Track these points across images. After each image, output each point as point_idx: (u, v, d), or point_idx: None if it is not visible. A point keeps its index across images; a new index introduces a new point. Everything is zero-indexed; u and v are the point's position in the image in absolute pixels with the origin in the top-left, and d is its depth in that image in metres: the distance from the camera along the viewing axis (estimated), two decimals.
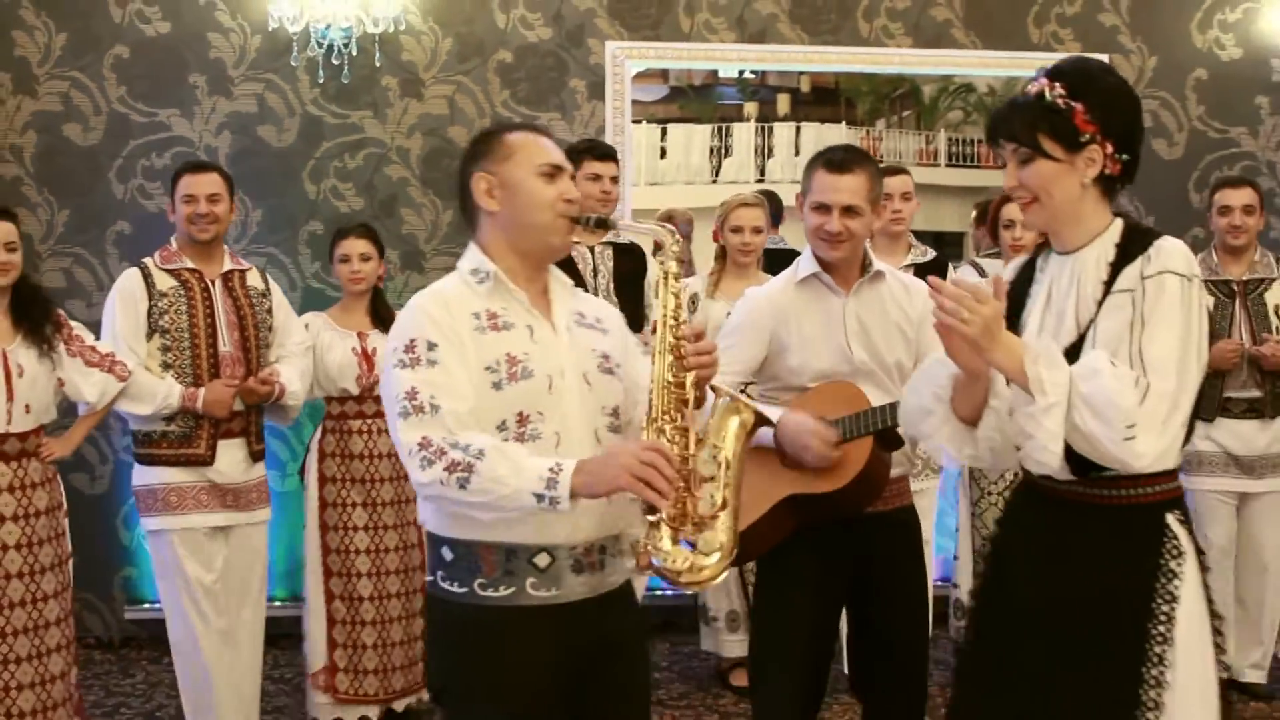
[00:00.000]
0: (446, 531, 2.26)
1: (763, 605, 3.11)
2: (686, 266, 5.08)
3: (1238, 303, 4.55)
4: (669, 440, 2.21)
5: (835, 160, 3.00)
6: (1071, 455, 2.16)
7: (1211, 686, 2.23)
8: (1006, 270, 2.49)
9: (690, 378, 2.26)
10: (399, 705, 4.34)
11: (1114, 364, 2.14)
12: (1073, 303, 2.27)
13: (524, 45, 5.36)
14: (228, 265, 4.09)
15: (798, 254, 3.27)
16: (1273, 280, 4.59)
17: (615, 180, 4.30)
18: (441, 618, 2.30)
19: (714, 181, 5.46)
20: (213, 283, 4.02)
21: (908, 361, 3.08)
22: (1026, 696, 2.27)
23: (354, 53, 5.09)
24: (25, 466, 3.63)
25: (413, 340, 2.22)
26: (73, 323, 3.82)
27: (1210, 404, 4.52)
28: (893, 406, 2.84)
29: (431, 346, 2.20)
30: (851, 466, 2.88)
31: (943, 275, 4.33)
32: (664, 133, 5.49)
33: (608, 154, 4.33)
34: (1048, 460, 2.15)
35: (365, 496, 4.24)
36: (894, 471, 3.04)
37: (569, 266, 4.13)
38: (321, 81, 5.20)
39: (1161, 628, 2.19)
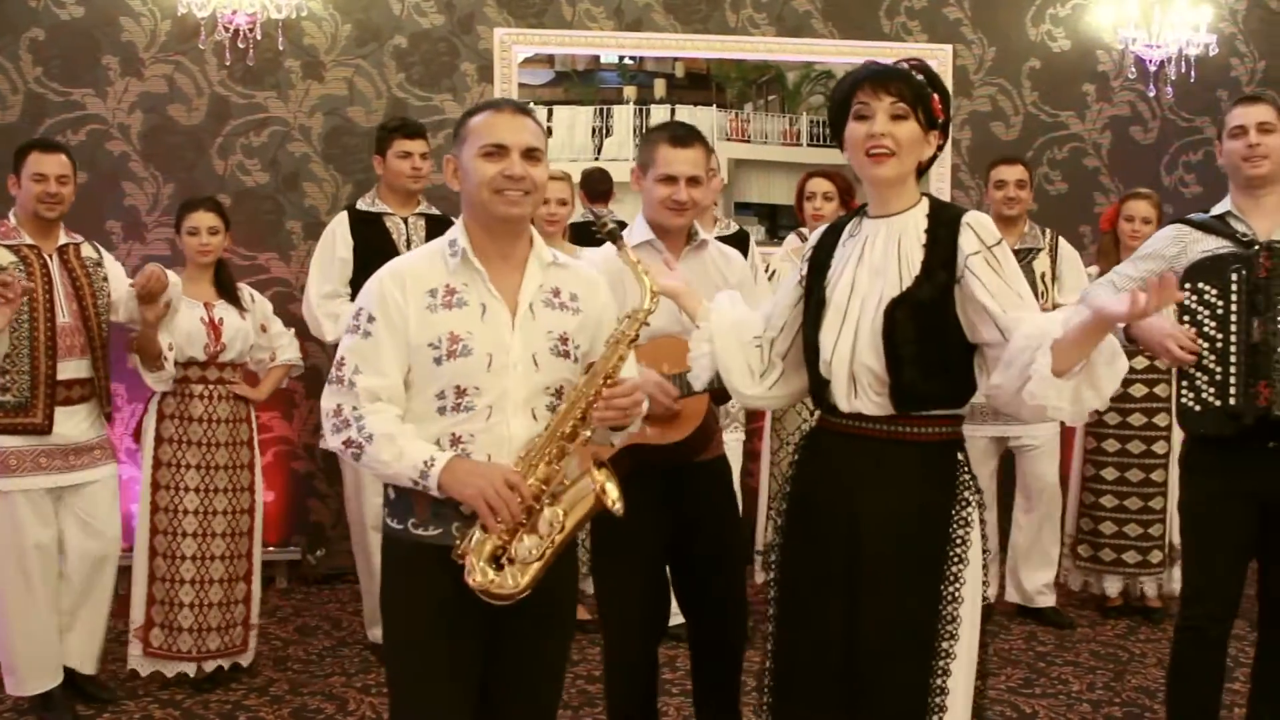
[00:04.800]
0: None
1: (600, 558, 3.21)
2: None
3: None
4: (535, 481, 2.31)
5: (679, 136, 3.10)
6: (898, 393, 2.38)
7: (978, 607, 2.43)
8: (811, 237, 2.67)
9: (586, 433, 2.36)
10: (209, 666, 4.29)
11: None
12: (894, 259, 2.43)
13: (418, 31, 5.57)
14: (63, 240, 4.07)
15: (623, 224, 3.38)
16: (1039, 250, 4.86)
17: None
18: (387, 546, 2.47)
19: (596, 159, 5.62)
20: (50, 257, 4.00)
21: None
22: (843, 612, 2.42)
23: (259, 37, 5.24)
24: None
25: (361, 309, 2.35)
26: None
27: None
28: None
29: (370, 319, 2.33)
30: (693, 419, 3.02)
31: (744, 246, 4.42)
32: (550, 114, 5.64)
33: (418, 131, 4.56)
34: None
35: (200, 459, 4.24)
36: None
37: (382, 234, 4.38)
38: (228, 64, 5.37)
39: (959, 549, 2.38)
